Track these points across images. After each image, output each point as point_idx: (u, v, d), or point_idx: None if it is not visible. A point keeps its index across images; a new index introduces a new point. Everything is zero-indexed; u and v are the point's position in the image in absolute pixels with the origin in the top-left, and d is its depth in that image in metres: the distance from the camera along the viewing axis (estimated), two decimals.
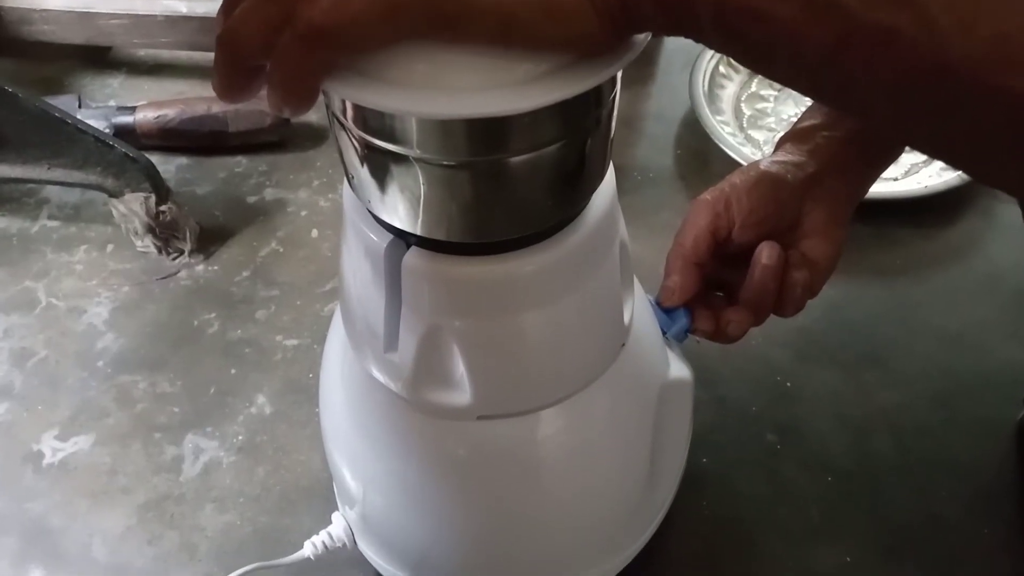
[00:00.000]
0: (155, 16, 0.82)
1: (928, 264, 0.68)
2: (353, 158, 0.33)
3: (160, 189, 0.67)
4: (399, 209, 0.33)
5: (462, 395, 0.38)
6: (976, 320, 0.64)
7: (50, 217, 0.73)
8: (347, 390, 0.44)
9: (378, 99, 0.28)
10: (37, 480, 0.56)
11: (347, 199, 0.36)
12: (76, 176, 0.68)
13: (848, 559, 0.51)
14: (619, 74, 0.32)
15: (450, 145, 0.30)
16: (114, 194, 0.67)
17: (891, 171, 0.73)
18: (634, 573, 0.49)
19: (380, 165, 0.32)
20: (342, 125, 0.31)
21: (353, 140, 0.32)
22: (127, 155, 0.66)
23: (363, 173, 0.33)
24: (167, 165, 0.76)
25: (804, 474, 0.55)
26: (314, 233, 0.71)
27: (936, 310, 0.65)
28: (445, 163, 0.31)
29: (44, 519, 0.54)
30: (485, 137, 0.30)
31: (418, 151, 0.30)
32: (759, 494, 0.54)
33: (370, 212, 0.35)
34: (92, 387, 0.61)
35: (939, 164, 0.73)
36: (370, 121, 0.30)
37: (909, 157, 0.74)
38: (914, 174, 0.73)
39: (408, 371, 0.38)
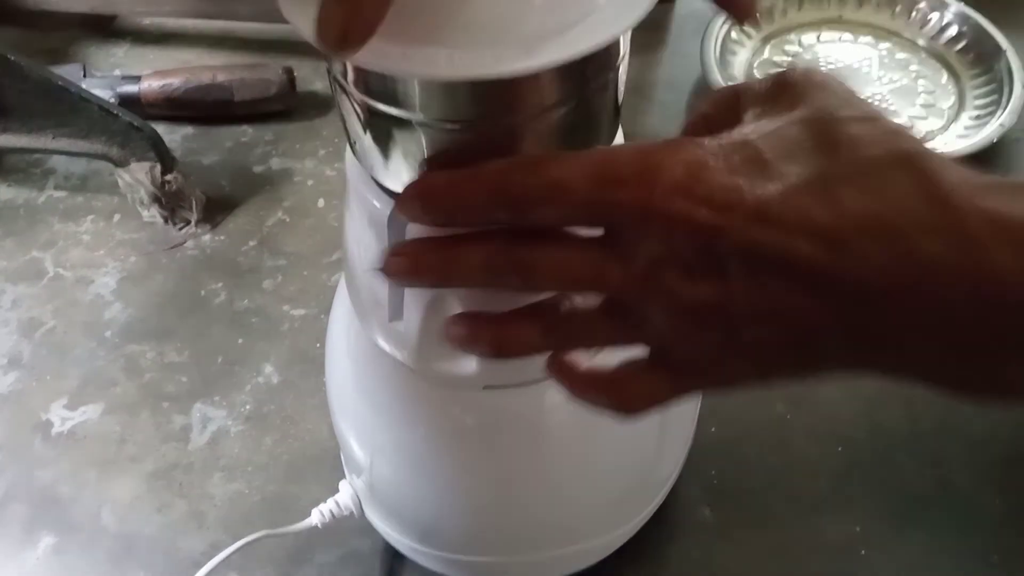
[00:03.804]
0: None
1: None
2: (355, 123, 0.32)
3: (165, 158, 0.67)
4: (402, 175, 0.32)
5: (468, 364, 0.37)
6: None
7: (56, 187, 0.72)
8: (353, 360, 0.44)
9: (377, 60, 0.27)
10: (46, 449, 0.56)
11: (350, 166, 0.36)
12: (81, 145, 0.67)
13: (858, 528, 0.51)
14: (628, 35, 0.31)
15: (453, 108, 0.30)
16: (119, 164, 0.67)
17: None
18: (641, 542, 0.48)
19: (382, 130, 0.31)
20: (343, 89, 0.31)
21: (355, 104, 0.31)
22: (132, 124, 0.65)
23: (365, 139, 0.32)
24: (172, 135, 0.75)
25: (814, 444, 0.54)
26: (320, 203, 0.70)
27: None
28: (448, 127, 0.30)
29: (53, 487, 0.54)
30: (490, 99, 0.30)
31: (421, 115, 0.29)
32: (768, 464, 0.53)
33: (373, 179, 0.34)
34: (100, 357, 0.61)
35: (957, 130, 0.72)
36: (371, 84, 0.30)
37: (925, 124, 0.73)
38: (930, 140, 0.71)
39: (414, 340, 0.37)
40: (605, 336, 0.32)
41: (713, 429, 0.54)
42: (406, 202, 0.30)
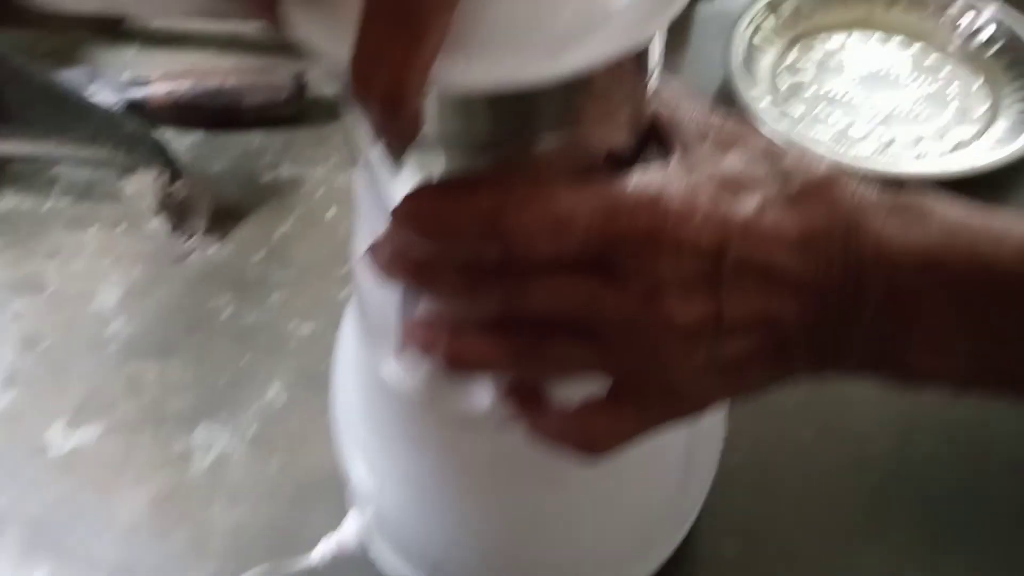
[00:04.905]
0: None
1: None
2: (363, 138, 0.30)
3: (172, 167, 0.65)
4: None
5: (483, 396, 0.35)
6: None
7: (61, 194, 0.70)
8: (362, 387, 0.42)
9: None
10: (43, 472, 0.54)
11: (357, 184, 0.34)
12: (86, 152, 0.65)
13: (894, 562, 0.48)
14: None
15: (470, 124, 0.28)
16: (125, 171, 0.65)
17: (936, 146, 0.69)
18: None
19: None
20: (351, 100, 0.29)
21: (363, 118, 0.29)
22: (138, 131, 0.63)
23: (374, 156, 0.30)
24: (180, 141, 0.73)
25: (845, 472, 0.52)
26: (331, 212, 0.68)
27: None
28: (463, 145, 0.28)
29: (51, 513, 0.52)
30: (512, 114, 0.28)
31: (434, 130, 0.27)
32: (796, 494, 0.51)
33: (382, 199, 0.32)
34: (101, 374, 0.59)
35: (990, 140, 0.69)
36: None
37: (957, 131, 0.70)
38: (962, 150, 0.69)
39: (426, 370, 0.35)
40: (576, 362, 0.32)
41: (738, 458, 0.51)
42: (398, 217, 0.30)
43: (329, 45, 0.25)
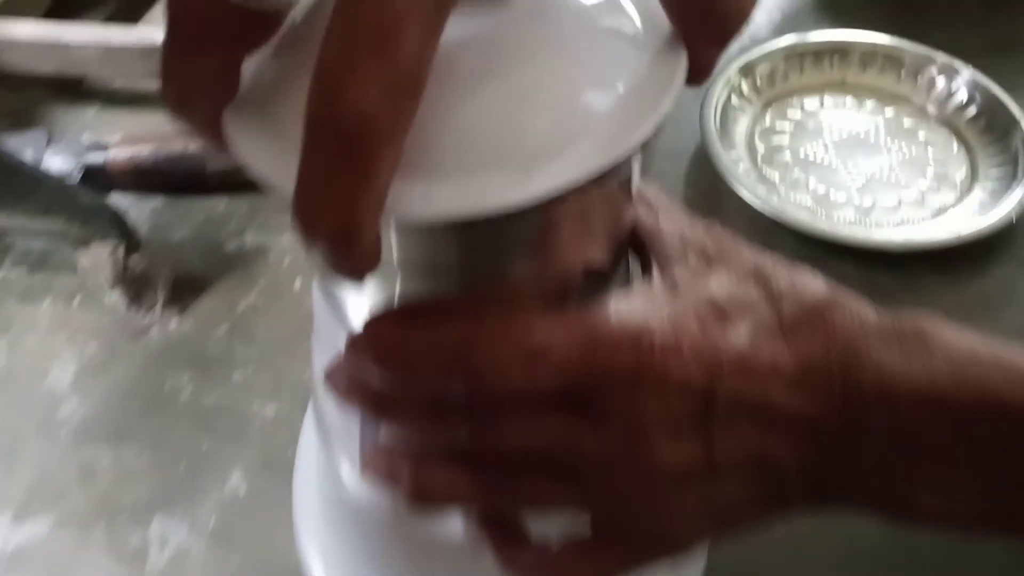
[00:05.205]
0: (131, 46, 0.76)
1: (962, 317, 0.62)
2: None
3: (130, 239, 0.62)
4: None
5: (454, 521, 0.33)
6: None
7: (14, 264, 0.67)
8: (324, 491, 0.39)
9: None
10: None
11: (316, 297, 0.31)
12: (38, 225, 0.62)
13: None
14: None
15: (431, 250, 0.25)
16: (80, 244, 0.62)
17: (917, 213, 0.68)
18: None
19: None
20: None
21: None
22: (93, 203, 0.61)
23: (332, 276, 0.28)
24: (140, 207, 0.71)
25: (841, 571, 0.50)
26: (297, 283, 0.66)
27: None
28: (427, 270, 0.26)
29: None
30: (478, 238, 0.25)
31: (394, 254, 0.25)
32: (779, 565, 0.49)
33: (345, 311, 0.30)
34: (52, 461, 0.55)
35: (971, 205, 0.68)
36: None
37: (937, 197, 0.69)
38: (941, 216, 0.68)
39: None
40: (553, 499, 0.30)
41: (725, 552, 0.49)
42: (355, 347, 0.27)
43: (273, 173, 0.22)
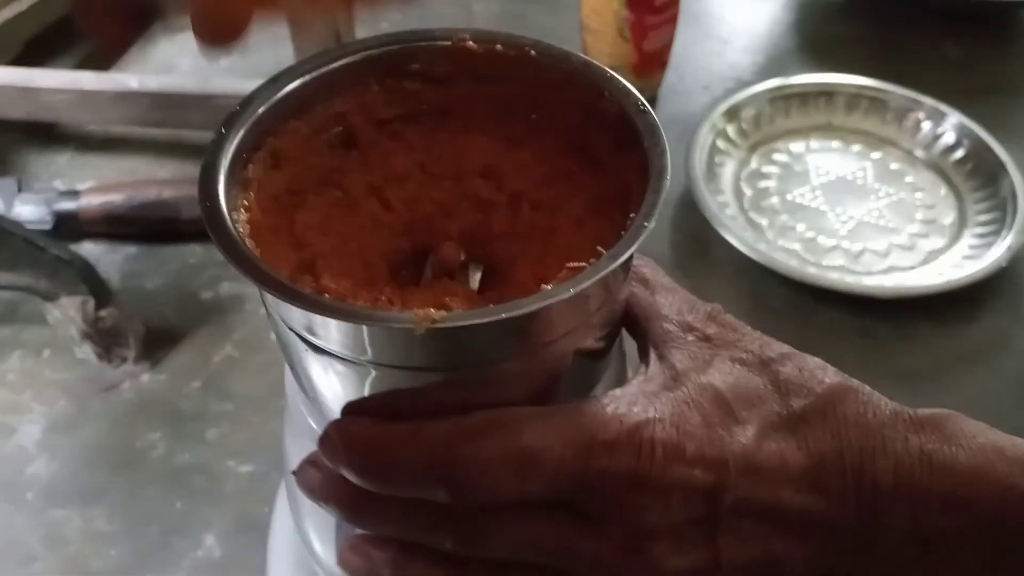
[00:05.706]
0: (104, 91, 0.75)
1: (953, 365, 0.62)
2: (292, 352, 0.26)
3: (99, 292, 0.60)
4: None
5: None
6: (1009, 426, 0.57)
7: None
8: (302, 566, 0.37)
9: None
10: None
11: (289, 384, 0.30)
12: (5, 278, 0.61)
13: None
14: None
15: (409, 353, 0.24)
16: (48, 298, 0.60)
17: (907, 259, 0.67)
18: None
19: (323, 365, 0.25)
20: (277, 318, 0.25)
21: (291, 335, 0.25)
22: (61, 255, 0.59)
23: (303, 369, 0.26)
24: (113, 255, 0.69)
25: None
26: (273, 335, 0.63)
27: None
28: (404, 372, 0.24)
29: None
30: (460, 343, 0.24)
31: (369, 357, 0.23)
32: None
33: (319, 398, 0.28)
34: (18, 524, 0.53)
35: (961, 250, 0.67)
36: (312, 323, 0.24)
37: (927, 243, 0.68)
38: (932, 262, 0.67)
39: None
40: None
41: None
42: (329, 445, 0.25)
43: None
